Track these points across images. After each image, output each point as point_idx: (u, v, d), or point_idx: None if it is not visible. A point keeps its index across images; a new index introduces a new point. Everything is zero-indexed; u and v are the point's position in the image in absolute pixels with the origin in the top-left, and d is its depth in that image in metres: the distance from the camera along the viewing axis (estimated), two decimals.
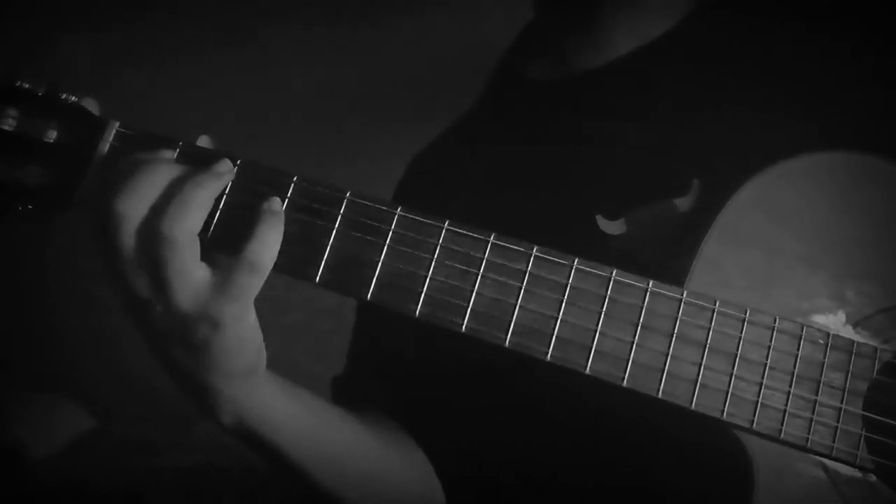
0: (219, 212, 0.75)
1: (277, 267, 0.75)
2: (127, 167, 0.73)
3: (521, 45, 1.13)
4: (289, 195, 0.76)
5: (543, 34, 1.08)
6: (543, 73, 1.06)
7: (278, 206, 0.74)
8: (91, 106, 0.79)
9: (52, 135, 0.77)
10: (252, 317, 0.74)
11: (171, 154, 0.76)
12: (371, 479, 0.93)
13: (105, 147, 0.77)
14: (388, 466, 0.95)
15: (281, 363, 0.83)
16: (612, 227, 0.86)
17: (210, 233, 0.75)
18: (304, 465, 0.85)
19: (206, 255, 0.73)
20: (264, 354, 0.77)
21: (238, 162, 0.77)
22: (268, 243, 0.72)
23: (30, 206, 0.77)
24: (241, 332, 0.74)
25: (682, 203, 0.85)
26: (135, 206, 0.71)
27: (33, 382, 2.06)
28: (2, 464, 1.82)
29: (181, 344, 0.74)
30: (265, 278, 0.72)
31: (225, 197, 0.76)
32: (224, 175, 0.74)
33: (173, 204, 0.70)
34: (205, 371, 0.74)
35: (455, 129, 1.13)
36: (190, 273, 0.71)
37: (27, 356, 2.11)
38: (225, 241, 0.75)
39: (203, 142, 0.78)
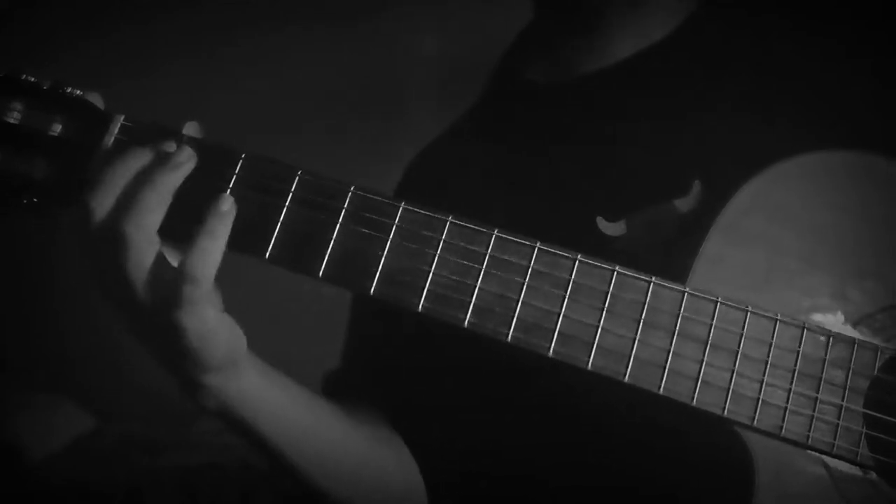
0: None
1: (280, 261, 0.75)
2: (105, 159, 0.75)
3: (521, 46, 1.13)
4: (293, 189, 0.76)
5: (543, 37, 1.08)
6: (543, 75, 1.06)
7: (228, 204, 0.74)
8: (96, 100, 0.79)
9: (57, 128, 0.78)
10: (212, 313, 0.74)
11: (171, 146, 0.76)
12: (358, 476, 0.94)
13: (110, 141, 0.78)
14: (376, 463, 0.96)
15: (274, 355, 0.85)
16: (612, 228, 0.86)
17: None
18: (294, 457, 0.86)
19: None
20: (242, 344, 0.78)
21: (243, 156, 0.77)
22: (207, 254, 0.72)
23: (34, 200, 0.77)
24: (204, 328, 0.74)
25: (683, 204, 0.85)
26: (99, 200, 0.73)
27: (33, 382, 2.06)
28: (2, 464, 1.82)
29: (154, 336, 0.76)
30: (210, 283, 0.73)
31: (230, 191, 0.76)
32: (182, 165, 0.74)
33: (132, 203, 0.72)
34: (180, 360, 0.76)
35: (455, 130, 1.13)
36: (147, 273, 0.73)
37: (27, 356, 2.11)
38: (234, 237, 0.76)
39: (191, 129, 0.79)
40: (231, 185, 0.76)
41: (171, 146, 0.75)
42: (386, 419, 1.01)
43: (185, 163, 0.75)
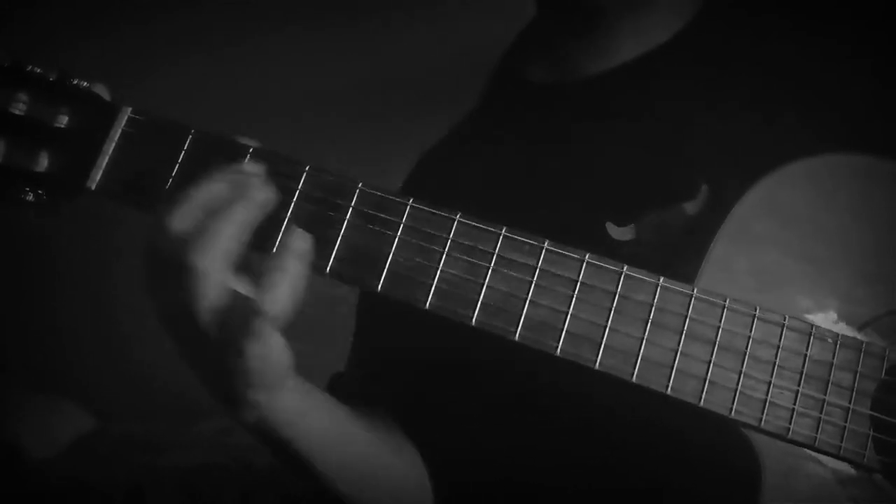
0: None
1: None
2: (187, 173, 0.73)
3: (521, 46, 1.13)
4: (300, 185, 0.76)
5: (544, 38, 1.07)
6: (543, 76, 1.05)
7: (303, 245, 0.73)
8: (101, 91, 0.78)
9: (63, 120, 0.77)
10: (274, 340, 0.74)
11: (254, 168, 0.75)
12: (377, 482, 0.94)
13: (117, 133, 0.77)
14: (393, 471, 0.96)
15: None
16: (621, 233, 0.86)
17: None
18: (321, 468, 0.86)
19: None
20: (290, 364, 0.77)
21: (251, 150, 0.76)
22: (279, 290, 0.71)
23: (39, 192, 0.76)
24: (264, 353, 0.73)
25: (690, 207, 0.85)
26: (177, 223, 0.70)
27: (33, 382, 2.06)
28: (2, 463, 1.82)
29: (209, 357, 0.74)
30: (282, 315, 0.72)
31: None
32: (258, 200, 0.73)
33: (203, 235, 0.70)
34: (230, 379, 0.75)
35: (457, 132, 1.12)
36: (215, 304, 0.71)
37: (27, 356, 2.11)
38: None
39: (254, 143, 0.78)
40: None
41: (251, 169, 0.74)
42: (398, 424, 1.00)
43: (271, 201, 0.73)
